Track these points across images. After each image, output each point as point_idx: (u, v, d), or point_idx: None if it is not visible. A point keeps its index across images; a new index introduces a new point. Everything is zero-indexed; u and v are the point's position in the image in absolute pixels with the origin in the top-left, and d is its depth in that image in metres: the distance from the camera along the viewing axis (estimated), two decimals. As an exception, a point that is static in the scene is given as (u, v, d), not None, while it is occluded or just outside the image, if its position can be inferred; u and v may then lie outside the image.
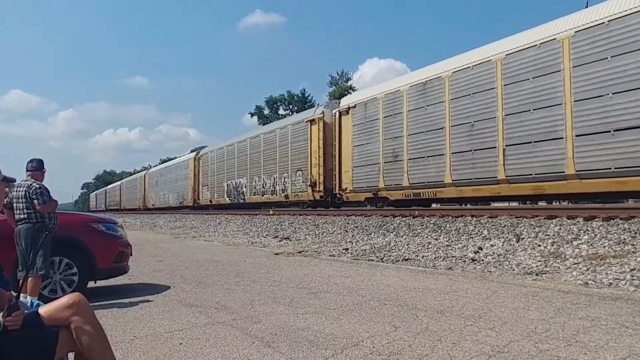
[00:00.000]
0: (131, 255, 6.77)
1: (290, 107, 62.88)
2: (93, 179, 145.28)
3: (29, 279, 4.95)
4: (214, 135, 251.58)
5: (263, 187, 23.74)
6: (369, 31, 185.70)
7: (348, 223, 13.62)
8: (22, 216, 5.25)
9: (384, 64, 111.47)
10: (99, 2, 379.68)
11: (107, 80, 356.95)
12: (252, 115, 67.33)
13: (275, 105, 65.14)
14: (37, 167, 5.51)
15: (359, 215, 14.48)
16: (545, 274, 6.36)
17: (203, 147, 35.38)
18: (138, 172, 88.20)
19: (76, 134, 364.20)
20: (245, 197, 25.61)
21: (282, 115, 58.41)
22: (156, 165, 72.96)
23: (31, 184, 5.29)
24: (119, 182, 70.43)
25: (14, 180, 3.63)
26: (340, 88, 54.54)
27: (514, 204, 17.59)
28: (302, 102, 61.86)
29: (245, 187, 25.63)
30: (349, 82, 58.61)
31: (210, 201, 30.90)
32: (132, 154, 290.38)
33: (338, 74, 60.06)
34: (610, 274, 5.86)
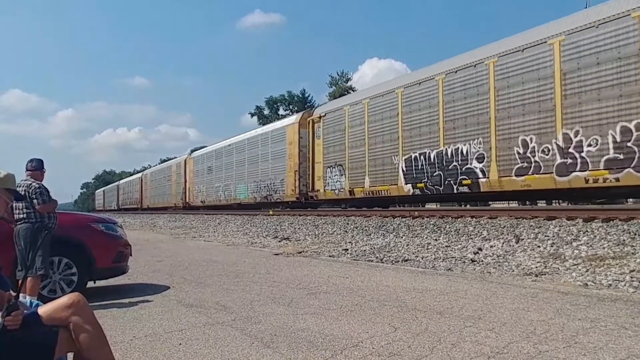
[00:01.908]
0: (131, 255, 6.77)
1: (291, 107, 62.87)
2: (93, 179, 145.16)
3: (28, 278, 4.95)
4: (214, 135, 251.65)
5: (580, 149, 10.23)
6: (368, 31, 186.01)
7: (348, 223, 13.62)
8: (21, 216, 5.25)
9: (383, 64, 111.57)
10: (98, 2, 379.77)
11: (106, 79, 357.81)
12: (252, 115, 67.34)
13: (275, 106, 65.11)
14: (36, 167, 5.52)
15: (358, 216, 14.48)
16: (545, 275, 6.36)
17: (315, 106, 21.74)
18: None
19: (75, 134, 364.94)
20: (485, 176, 12.26)
21: (282, 115, 58.26)
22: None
23: (31, 184, 5.29)
24: (138, 175, 56.43)
25: (21, 199, 3.60)
26: (340, 88, 54.56)
27: (514, 205, 17.53)
28: (302, 103, 61.86)
29: (485, 158, 12.26)
30: (349, 83, 58.67)
31: (351, 192, 16.94)
32: (131, 154, 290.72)
33: (338, 74, 60.04)
34: (610, 275, 5.86)
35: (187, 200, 34.60)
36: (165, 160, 70.86)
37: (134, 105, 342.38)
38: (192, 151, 36.08)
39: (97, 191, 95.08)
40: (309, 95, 64.39)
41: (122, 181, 67.39)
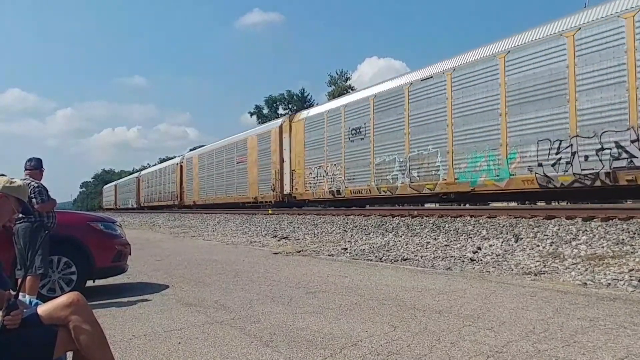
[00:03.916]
0: (130, 254, 6.77)
1: (290, 106, 62.86)
2: (92, 178, 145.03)
3: (28, 278, 4.95)
4: (213, 134, 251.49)
5: None
6: (368, 30, 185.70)
7: (347, 223, 13.62)
8: (20, 215, 5.24)
9: (383, 63, 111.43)
10: (97, 1, 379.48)
11: (106, 79, 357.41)
12: (251, 114, 67.41)
13: (274, 105, 65.12)
14: (35, 166, 5.52)
15: (357, 215, 14.49)
16: (544, 274, 6.36)
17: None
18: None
19: (74, 133, 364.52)
20: None
21: (281, 114, 58.20)
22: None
23: (29, 183, 5.28)
24: (175, 160, 41.78)
25: (29, 213, 3.59)
26: (340, 88, 54.56)
27: (513, 204, 17.51)
28: (301, 102, 61.84)
29: None
30: (348, 82, 58.68)
31: None
32: (130, 153, 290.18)
33: (337, 74, 60.12)
34: (609, 274, 5.86)
35: (290, 191, 21.23)
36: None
37: (133, 105, 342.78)
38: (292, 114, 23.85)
39: (105, 187, 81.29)
40: (308, 94, 64.52)
41: (145, 171, 54.57)
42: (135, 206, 51.66)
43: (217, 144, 32.04)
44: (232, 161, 27.51)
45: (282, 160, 21.80)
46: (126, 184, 59.67)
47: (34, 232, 5.19)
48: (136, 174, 57.96)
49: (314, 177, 19.45)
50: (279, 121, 23.41)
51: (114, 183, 71.79)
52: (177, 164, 38.59)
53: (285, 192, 21.66)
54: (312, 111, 20.69)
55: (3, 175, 3.78)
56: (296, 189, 20.60)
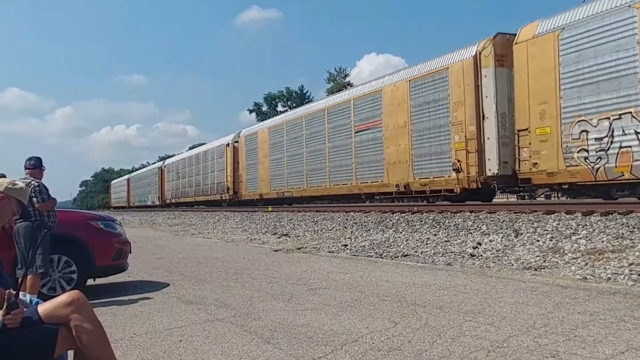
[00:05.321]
0: (130, 252, 6.78)
1: (289, 103, 62.82)
2: (91, 177, 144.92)
3: (28, 277, 4.95)
4: (213, 132, 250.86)
5: None
6: (366, 26, 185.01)
7: (347, 219, 13.63)
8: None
9: (381, 60, 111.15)
10: (97, 1, 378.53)
11: (105, 77, 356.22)
12: (250, 112, 67.49)
13: (273, 102, 65.10)
14: (35, 165, 5.52)
15: (357, 212, 14.50)
16: (544, 269, 6.37)
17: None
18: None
19: (74, 132, 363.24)
20: None
21: (280, 111, 58.09)
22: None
23: (30, 182, 5.28)
24: (224, 138, 31.15)
25: (29, 215, 3.61)
26: (338, 84, 54.52)
27: (513, 199, 17.49)
28: (300, 99, 61.80)
29: None
30: (347, 79, 58.63)
31: None
32: (130, 151, 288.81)
33: (336, 70, 60.05)
34: (609, 268, 5.87)
35: (501, 170, 12.55)
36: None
37: (132, 103, 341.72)
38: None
39: (114, 182, 71.58)
40: (307, 92, 64.49)
41: (170, 160, 44.67)
42: (157, 203, 42.04)
43: (307, 107, 21.77)
44: (345, 130, 17.73)
45: (480, 117, 12.83)
46: (143, 177, 49.75)
47: (34, 231, 5.19)
48: (159, 164, 48.02)
49: (596, 139, 10.38)
50: (469, 50, 13.29)
51: (125, 177, 61.62)
52: (228, 144, 29.07)
53: (490, 172, 12.69)
54: (582, 11, 10.75)
55: (4, 176, 3.78)
56: (535, 163, 11.53)
